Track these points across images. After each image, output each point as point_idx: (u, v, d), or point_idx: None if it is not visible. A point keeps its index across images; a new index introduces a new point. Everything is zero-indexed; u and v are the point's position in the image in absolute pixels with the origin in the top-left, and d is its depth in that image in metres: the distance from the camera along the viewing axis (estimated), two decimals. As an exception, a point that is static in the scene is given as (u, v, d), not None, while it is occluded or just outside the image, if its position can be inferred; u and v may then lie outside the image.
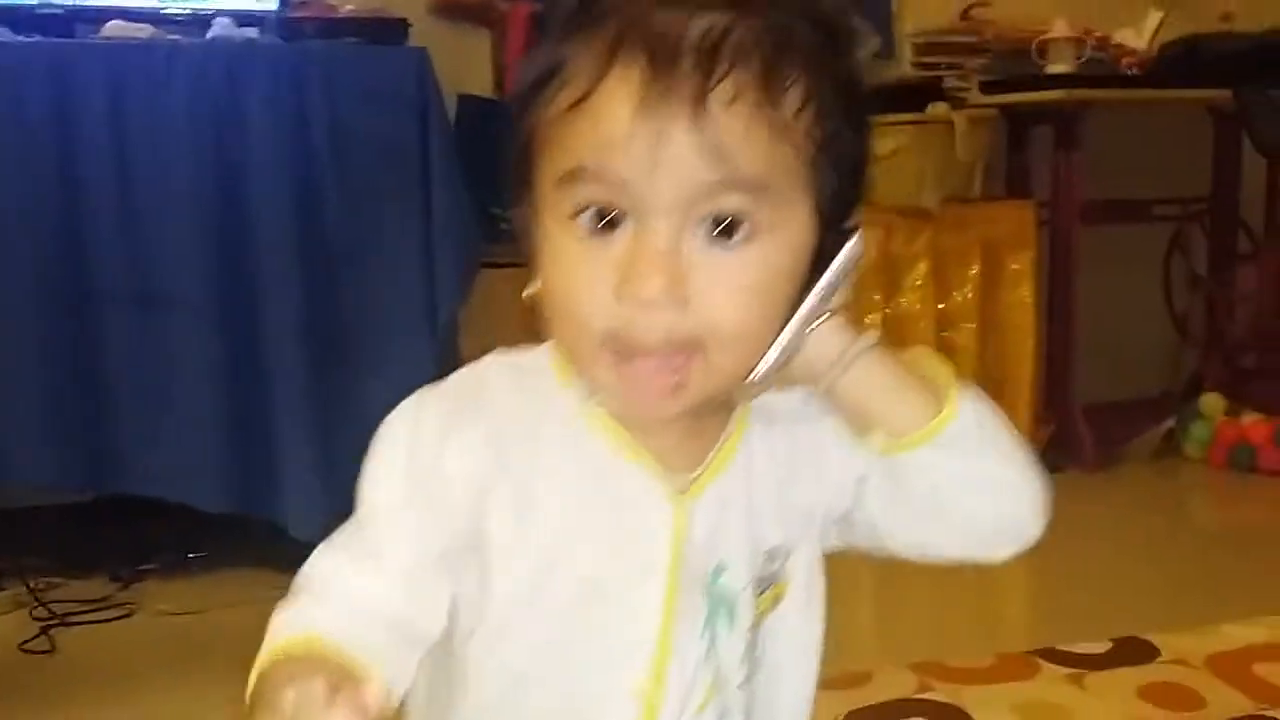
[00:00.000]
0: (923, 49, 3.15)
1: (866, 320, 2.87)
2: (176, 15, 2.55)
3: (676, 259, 0.65)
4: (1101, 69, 3.23)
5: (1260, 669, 1.92)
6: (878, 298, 2.94)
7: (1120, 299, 3.53)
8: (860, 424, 0.74)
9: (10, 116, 2.14)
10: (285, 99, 2.27)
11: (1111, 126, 3.26)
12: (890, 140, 2.93)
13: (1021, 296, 3.09)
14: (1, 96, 2.14)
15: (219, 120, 2.23)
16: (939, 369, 0.74)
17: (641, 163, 0.64)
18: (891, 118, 2.90)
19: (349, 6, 2.70)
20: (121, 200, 2.19)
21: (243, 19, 2.49)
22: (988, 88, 3.14)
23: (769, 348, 0.69)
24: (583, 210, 0.66)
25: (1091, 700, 1.84)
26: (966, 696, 1.82)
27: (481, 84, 3.03)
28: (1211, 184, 3.59)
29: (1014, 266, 3.10)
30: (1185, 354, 3.69)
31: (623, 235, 0.65)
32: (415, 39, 2.64)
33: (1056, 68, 3.17)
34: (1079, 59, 3.18)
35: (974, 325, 3.03)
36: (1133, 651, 2.00)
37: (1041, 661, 1.96)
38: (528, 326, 0.73)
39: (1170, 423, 3.31)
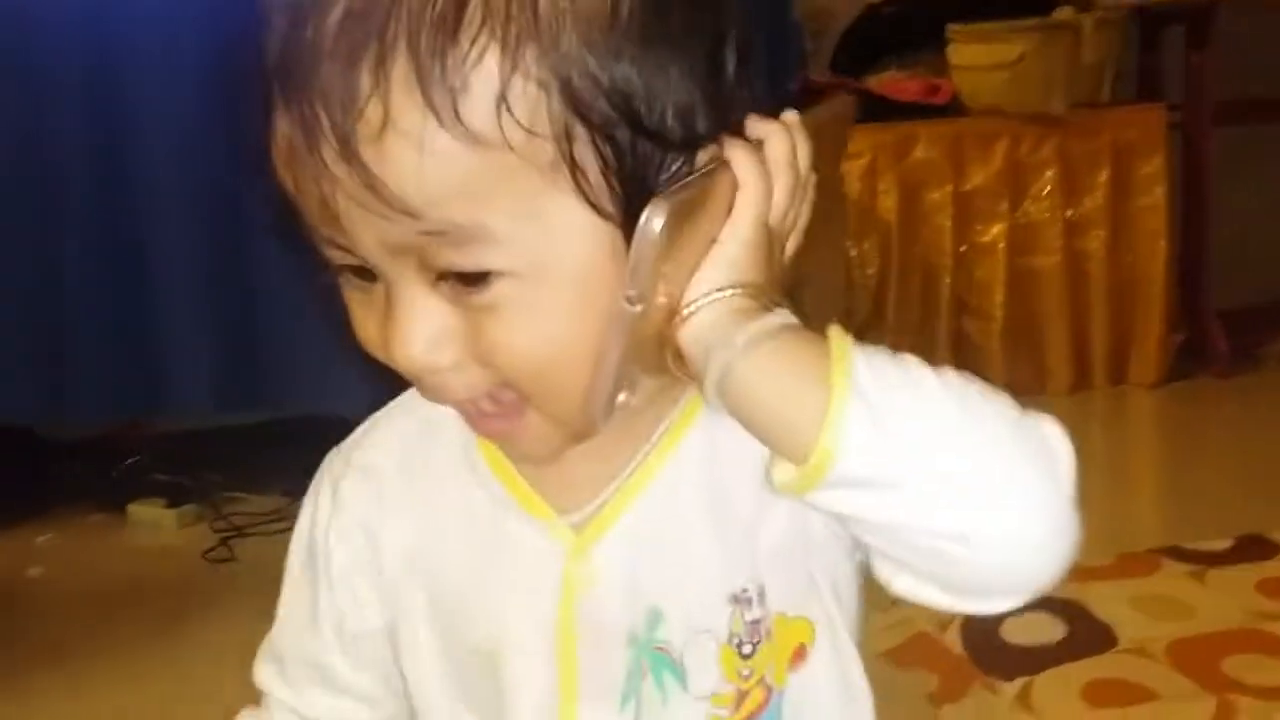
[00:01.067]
0: (1047, -49, 3.12)
1: (991, 232, 2.90)
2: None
3: (428, 321, 0.53)
4: (1236, -36, 3.16)
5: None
6: (1004, 207, 2.96)
7: (1255, 201, 3.47)
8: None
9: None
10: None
11: (1246, 24, 3.20)
12: (1016, 46, 2.93)
13: (1153, 202, 3.07)
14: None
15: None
16: (839, 365, 0.51)
17: (328, 224, 0.52)
18: (1016, 22, 2.90)
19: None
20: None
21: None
22: (1116, -12, 3.10)
23: (596, 372, 0.54)
24: (340, 269, 0.56)
25: (1211, 594, 1.90)
26: (1087, 593, 1.89)
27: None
28: (1355, 78, 3.49)
29: (1145, 171, 3.07)
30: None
31: (382, 287, 0.55)
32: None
33: (1188, -36, 3.11)
34: (1212, -46, 3.12)
35: (1104, 232, 3.02)
36: (1255, 549, 2.04)
37: (1163, 559, 2.01)
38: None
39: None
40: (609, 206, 0.52)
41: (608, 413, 0.55)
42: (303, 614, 0.69)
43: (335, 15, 0.49)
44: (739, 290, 0.53)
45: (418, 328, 0.53)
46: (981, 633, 1.81)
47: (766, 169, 0.55)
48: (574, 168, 0.51)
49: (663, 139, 0.52)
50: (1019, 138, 2.96)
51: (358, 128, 0.49)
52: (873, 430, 0.50)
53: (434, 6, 0.48)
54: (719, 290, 0.53)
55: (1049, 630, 1.82)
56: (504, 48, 0.49)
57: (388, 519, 0.66)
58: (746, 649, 0.60)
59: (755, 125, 0.56)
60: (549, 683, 0.62)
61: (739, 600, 0.60)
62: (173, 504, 2.43)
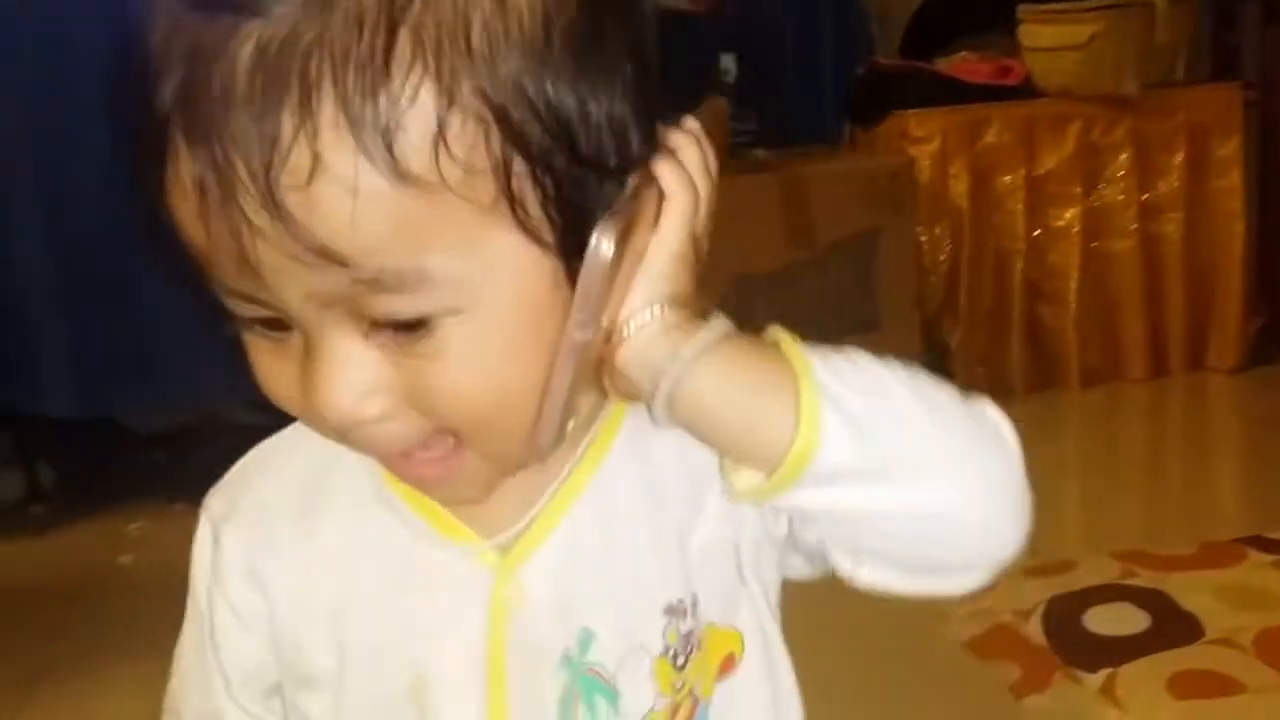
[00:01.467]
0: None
1: (1065, 216, 2.88)
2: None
3: (360, 372, 0.50)
4: (1315, -61, 3.10)
5: None
6: (1077, 190, 2.93)
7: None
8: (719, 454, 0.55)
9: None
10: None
11: (1326, 0, 3.14)
12: (1087, 26, 2.90)
13: (1229, 184, 3.03)
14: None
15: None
16: (796, 363, 0.51)
17: (246, 277, 0.48)
18: (1088, 2, 2.87)
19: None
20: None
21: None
22: (1191, -35, 3.06)
23: (545, 403, 0.52)
24: (248, 322, 0.52)
25: (1297, 585, 1.88)
26: (1170, 583, 1.88)
27: (676, -4, 3.11)
28: None
29: (1221, 153, 3.03)
30: None
31: (298, 337, 0.51)
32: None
33: (1266, -59, 3.07)
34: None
35: (1180, 215, 2.98)
36: (1342, 539, 2.02)
37: (1248, 549, 2.00)
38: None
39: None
40: (549, 237, 0.50)
41: (557, 442, 0.54)
42: (193, 668, 0.66)
43: (246, 53, 0.45)
44: (672, 304, 0.52)
45: (348, 380, 0.50)
46: (1063, 624, 1.81)
47: (690, 180, 0.53)
48: (513, 201, 0.48)
49: (600, 164, 0.50)
50: (1092, 120, 2.93)
51: (281, 176, 0.45)
52: (842, 422, 0.50)
53: (360, 40, 0.45)
54: (654, 306, 0.52)
55: (1133, 621, 1.81)
56: (439, 82, 0.46)
57: (279, 563, 0.62)
58: (680, 660, 0.59)
59: (668, 136, 0.54)
60: (478, 714, 0.59)
61: (674, 611, 0.59)
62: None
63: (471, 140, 0.47)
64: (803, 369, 0.51)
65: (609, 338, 0.52)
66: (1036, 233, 2.92)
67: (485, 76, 0.46)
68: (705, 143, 0.56)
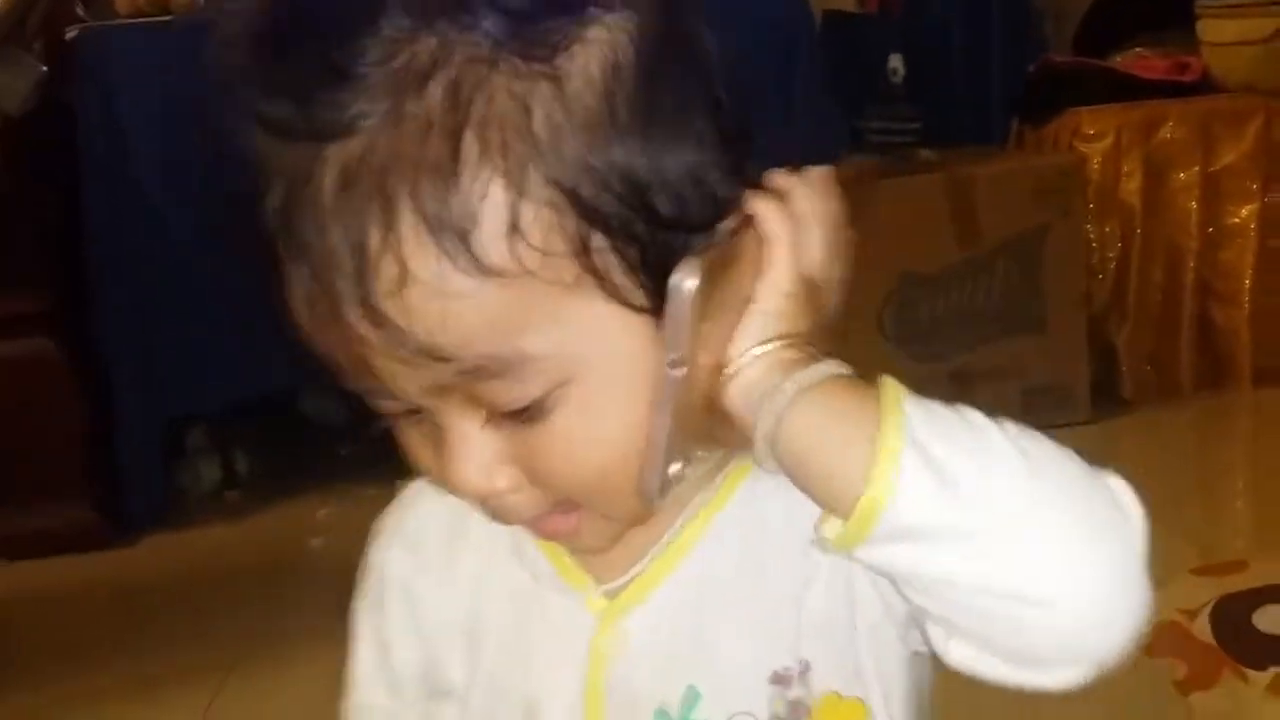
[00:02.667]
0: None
1: (1241, 213, 2.81)
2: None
3: (481, 451, 0.53)
4: None
5: None
6: (1255, 187, 2.85)
7: None
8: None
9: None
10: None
11: None
12: (1268, 21, 2.82)
13: None
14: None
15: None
16: (889, 407, 0.49)
17: (368, 378, 0.52)
18: (1268, -4, 2.80)
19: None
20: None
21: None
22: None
23: (647, 450, 0.53)
24: (390, 416, 0.55)
25: None
26: (1343, 583, 1.84)
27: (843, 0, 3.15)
28: None
29: None
30: None
31: (430, 417, 0.54)
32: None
33: None
34: None
35: (1367, 214, 2.88)
36: None
37: None
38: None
39: None
40: (639, 301, 0.51)
41: (665, 490, 0.53)
42: (366, 671, 0.70)
43: (330, 175, 0.48)
44: (782, 342, 0.52)
45: (474, 459, 0.53)
46: (1232, 621, 1.79)
47: (793, 220, 0.53)
48: (597, 274, 0.50)
49: (683, 222, 0.51)
50: (1273, 116, 2.85)
51: (375, 286, 0.48)
52: (926, 476, 0.47)
53: (428, 148, 0.47)
54: (761, 344, 0.52)
55: (1303, 620, 1.78)
56: (507, 176, 0.47)
57: (428, 579, 0.67)
58: None
59: (777, 180, 0.55)
60: None
61: (780, 680, 0.58)
62: (437, 482, 2.59)
63: (546, 226, 0.48)
64: (892, 413, 0.48)
65: (715, 379, 0.52)
66: (1210, 230, 2.86)
67: (552, 162, 0.48)
68: (826, 190, 0.55)
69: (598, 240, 0.49)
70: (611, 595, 0.61)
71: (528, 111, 0.48)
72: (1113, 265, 2.83)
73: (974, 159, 2.84)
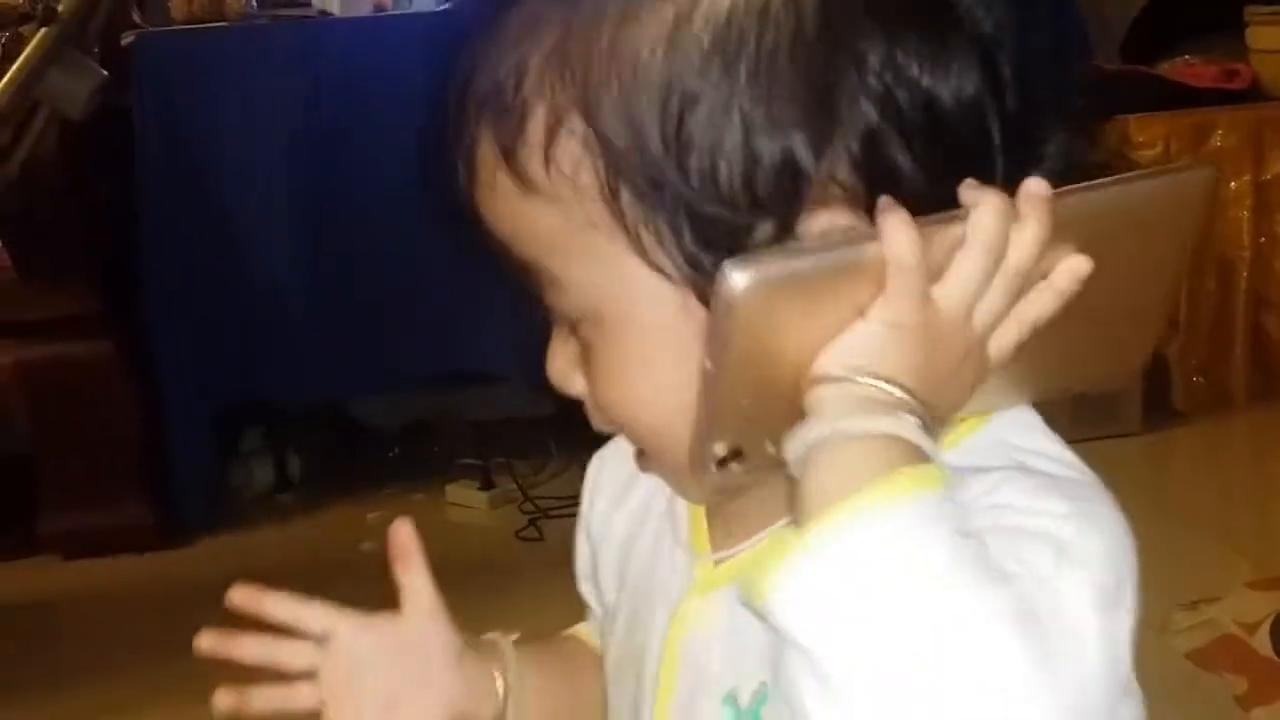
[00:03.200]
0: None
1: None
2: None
3: (559, 352, 0.57)
4: None
5: None
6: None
7: None
8: None
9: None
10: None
11: None
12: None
13: None
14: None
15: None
16: (842, 510, 0.45)
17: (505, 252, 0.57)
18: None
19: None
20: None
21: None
22: None
23: (696, 435, 0.50)
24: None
25: None
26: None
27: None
28: None
29: None
30: None
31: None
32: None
33: None
34: None
35: None
36: None
37: None
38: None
39: None
40: (671, 268, 0.50)
41: (708, 479, 0.50)
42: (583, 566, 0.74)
43: (457, 95, 0.54)
44: (872, 380, 0.47)
45: (556, 356, 0.57)
46: (1292, 637, 1.78)
47: (923, 244, 0.47)
48: (626, 228, 0.50)
49: (733, 201, 0.49)
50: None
51: (474, 185, 0.54)
52: (807, 606, 0.44)
53: (504, 78, 0.52)
54: (849, 374, 0.47)
55: (1366, 637, 1.77)
56: (552, 104, 0.50)
57: (607, 503, 0.70)
58: None
59: (968, 191, 0.48)
60: (650, 708, 0.61)
61: None
62: (485, 487, 2.61)
63: (576, 160, 0.50)
64: (841, 518, 0.45)
65: (803, 375, 0.49)
66: (1262, 240, 2.84)
67: (593, 101, 0.49)
68: (1037, 214, 0.47)
69: (626, 194, 0.50)
70: (720, 563, 0.60)
71: (589, 54, 0.50)
72: (1164, 275, 2.81)
73: (1022, 166, 2.83)
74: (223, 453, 2.69)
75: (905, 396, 0.47)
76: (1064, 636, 0.45)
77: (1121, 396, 2.61)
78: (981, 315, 0.48)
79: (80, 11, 2.11)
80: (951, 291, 0.48)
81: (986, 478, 0.50)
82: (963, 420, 0.53)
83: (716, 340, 0.48)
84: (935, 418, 0.48)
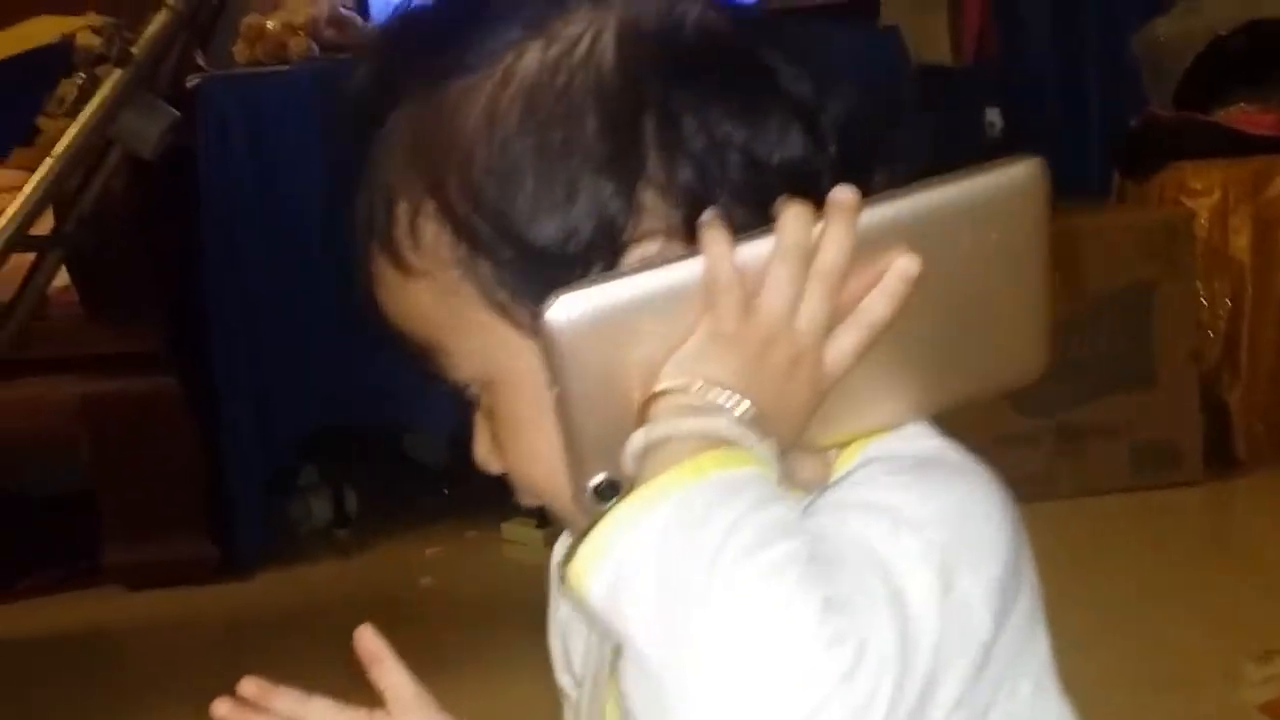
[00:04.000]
0: None
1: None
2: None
3: (485, 433, 0.59)
4: None
5: None
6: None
7: None
8: None
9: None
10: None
11: None
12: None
13: None
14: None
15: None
16: (635, 505, 0.50)
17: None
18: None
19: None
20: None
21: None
22: None
23: (570, 474, 0.54)
24: None
25: None
26: None
27: (939, 53, 3.16)
28: None
29: None
30: None
31: None
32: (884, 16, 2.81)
33: None
34: None
35: None
36: None
37: None
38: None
39: None
40: (528, 322, 0.53)
41: (594, 515, 0.51)
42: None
43: (350, 219, 0.59)
44: (700, 386, 0.51)
45: (480, 440, 0.60)
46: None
47: (742, 257, 0.50)
48: (482, 292, 0.54)
49: (561, 254, 0.53)
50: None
51: (367, 279, 0.59)
52: (607, 579, 0.48)
53: (375, 194, 0.57)
54: (680, 385, 0.51)
55: None
56: (410, 201, 0.55)
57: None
58: None
59: (778, 205, 0.51)
60: None
61: None
62: (541, 524, 2.62)
63: (434, 237, 0.55)
64: (635, 511, 0.49)
65: (645, 399, 0.52)
66: (1323, 288, 2.83)
67: (442, 184, 0.54)
68: (841, 222, 0.51)
69: (478, 259, 0.54)
70: None
71: (434, 138, 0.55)
72: (1223, 322, 2.80)
73: (1076, 212, 2.83)
74: (281, 488, 2.71)
75: (733, 399, 0.51)
76: (890, 597, 0.48)
77: (1183, 445, 2.60)
78: (805, 320, 0.51)
79: (154, 54, 2.15)
80: (769, 298, 0.51)
81: (850, 478, 0.55)
82: (856, 440, 0.56)
83: (552, 374, 0.51)
84: (779, 423, 0.51)
